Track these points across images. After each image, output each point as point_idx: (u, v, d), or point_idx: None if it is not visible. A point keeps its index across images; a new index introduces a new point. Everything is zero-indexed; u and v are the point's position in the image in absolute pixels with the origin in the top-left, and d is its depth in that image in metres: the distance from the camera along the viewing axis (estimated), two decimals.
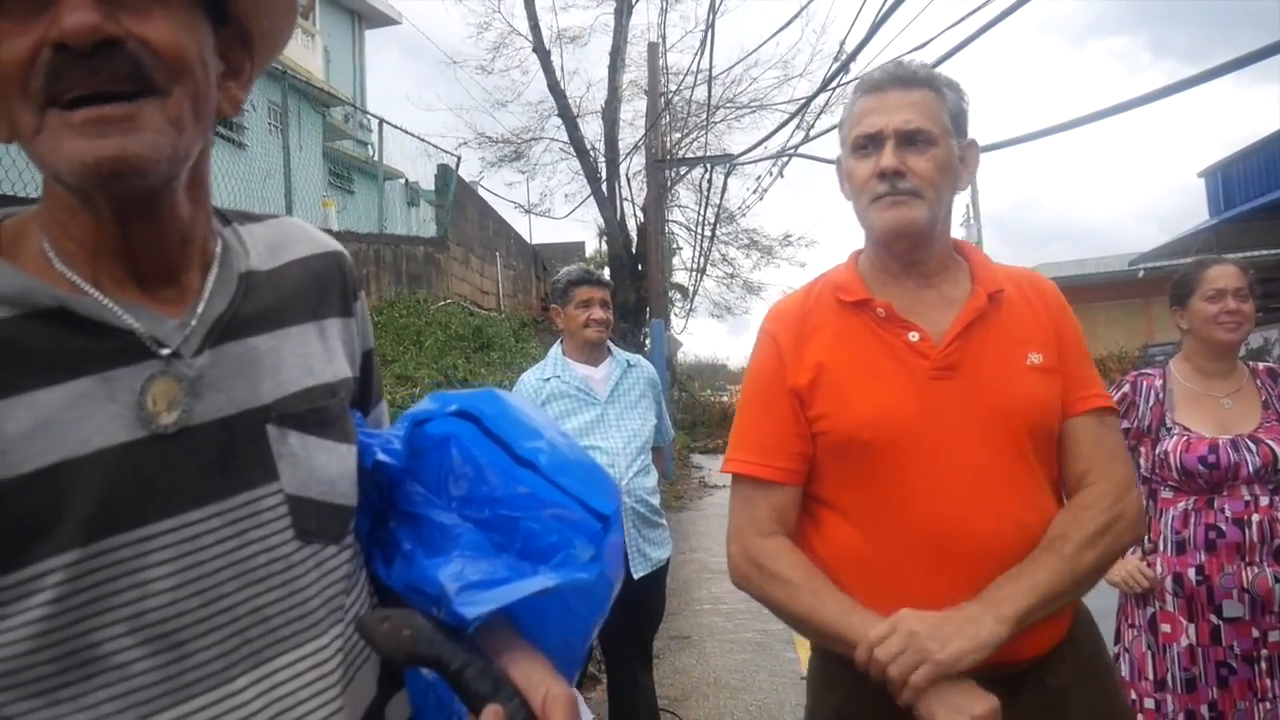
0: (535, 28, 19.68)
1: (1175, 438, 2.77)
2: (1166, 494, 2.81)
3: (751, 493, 1.78)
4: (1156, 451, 2.81)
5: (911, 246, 1.71)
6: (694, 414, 28.00)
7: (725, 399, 36.82)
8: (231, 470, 0.92)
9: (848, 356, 1.70)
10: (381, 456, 1.09)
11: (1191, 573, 2.70)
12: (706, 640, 6.52)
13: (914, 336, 1.67)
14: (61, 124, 0.82)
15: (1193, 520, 2.74)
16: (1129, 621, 2.90)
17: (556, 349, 3.87)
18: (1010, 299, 1.71)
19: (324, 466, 1.00)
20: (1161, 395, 2.86)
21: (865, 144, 1.70)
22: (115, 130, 0.83)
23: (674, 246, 26.77)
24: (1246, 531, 2.64)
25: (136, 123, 0.84)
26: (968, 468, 1.60)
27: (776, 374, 1.76)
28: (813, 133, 13.24)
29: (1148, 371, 2.97)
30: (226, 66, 0.97)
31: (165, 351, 0.90)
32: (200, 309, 0.95)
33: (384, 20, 22.11)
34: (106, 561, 0.84)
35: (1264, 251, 23.43)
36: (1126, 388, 2.91)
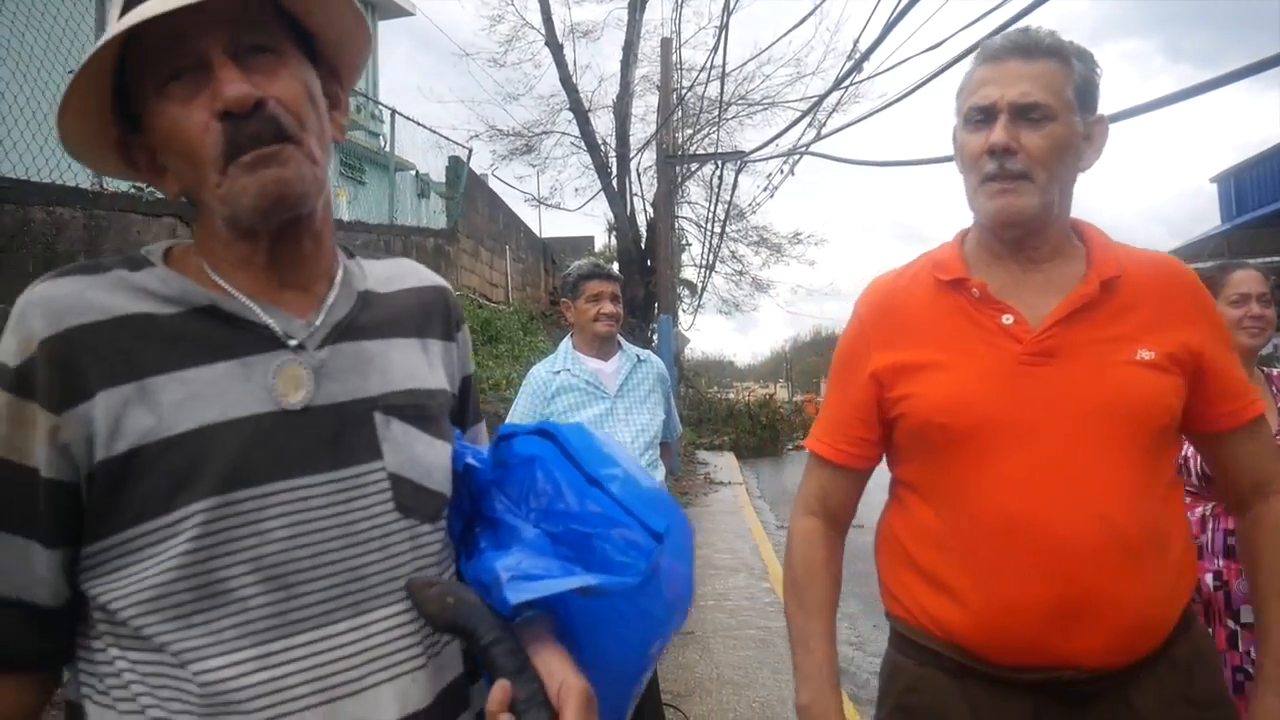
0: (548, 21, 19.67)
1: None
2: (1185, 499, 2.73)
3: (812, 465, 1.86)
4: (1175, 457, 2.73)
5: (1022, 234, 1.62)
6: (700, 410, 27.98)
7: (731, 396, 36.83)
8: (342, 447, 1.08)
9: (936, 338, 1.64)
10: (471, 461, 1.23)
11: (1209, 578, 2.66)
12: (710, 636, 6.53)
13: (1008, 319, 1.59)
14: (238, 169, 1.02)
15: (1210, 526, 2.69)
16: None
17: (567, 342, 3.88)
18: (1130, 287, 1.59)
19: (421, 454, 1.15)
20: None
21: (978, 116, 1.61)
22: (274, 162, 1.02)
23: (683, 243, 26.76)
24: None
25: (284, 158, 1.03)
26: (1048, 459, 1.52)
27: (856, 357, 1.75)
28: (824, 131, 13.24)
29: None
30: (328, 100, 1.15)
31: (293, 343, 1.08)
32: (324, 313, 1.13)
33: (397, 11, 22.06)
34: (234, 510, 1.00)
35: (1276, 257, 23.37)
36: None
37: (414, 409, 1.16)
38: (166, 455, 0.99)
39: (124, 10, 1.03)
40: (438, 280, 1.34)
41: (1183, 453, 2.64)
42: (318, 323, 1.12)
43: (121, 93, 1.08)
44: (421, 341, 1.24)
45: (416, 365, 1.20)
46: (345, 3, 1.12)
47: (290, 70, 1.07)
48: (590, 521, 1.17)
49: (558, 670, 1.05)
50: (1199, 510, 2.71)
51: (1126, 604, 1.49)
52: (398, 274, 1.29)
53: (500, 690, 1.01)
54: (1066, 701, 1.52)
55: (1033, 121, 1.56)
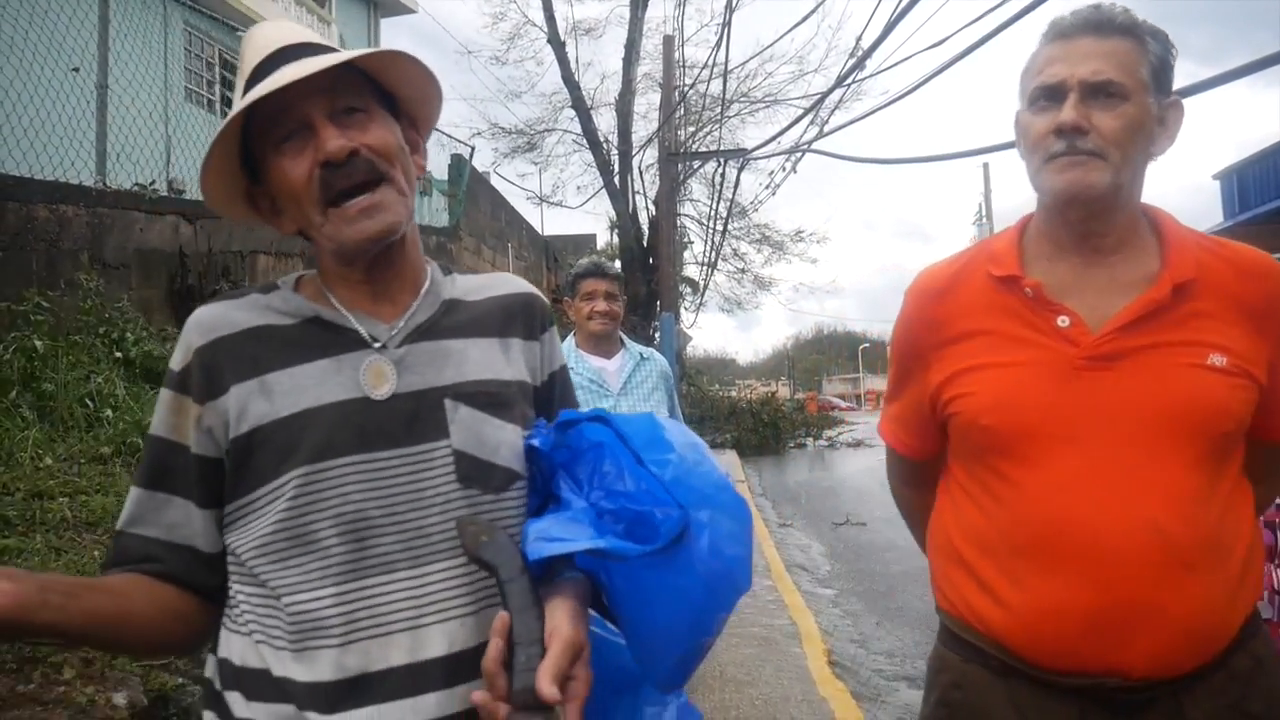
0: (550, 19, 19.70)
1: None
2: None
3: (891, 456, 1.92)
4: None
5: (1089, 215, 1.54)
6: (702, 409, 27.96)
7: (733, 394, 36.81)
8: (416, 427, 1.31)
9: (986, 338, 1.59)
10: (532, 441, 1.39)
11: None
12: None
13: (1064, 321, 1.52)
14: (340, 217, 1.28)
15: None
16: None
17: (570, 341, 3.87)
18: (1208, 288, 1.51)
19: (488, 435, 1.35)
20: None
21: (1045, 96, 1.53)
22: (378, 212, 1.29)
23: (685, 240, 26.77)
24: None
25: (383, 204, 1.30)
26: (1098, 464, 1.47)
27: (907, 353, 1.73)
28: (827, 129, 13.23)
29: None
30: (410, 146, 1.40)
31: (377, 344, 1.33)
32: (406, 319, 1.37)
33: (400, 9, 22.10)
34: (322, 476, 1.25)
35: (1278, 255, 23.34)
36: None
37: (485, 396, 1.37)
38: (276, 433, 1.27)
39: (246, 88, 1.30)
40: (526, 289, 1.54)
41: None
42: (399, 325, 1.36)
43: (247, 152, 1.35)
44: (502, 340, 1.44)
45: (493, 360, 1.41)
46: (418, 69, 1.39)
47: (378, 124, 1.33)
48: (641, 500, 1.30)
49: (557, 617, 1.20)
50: None
51: (1175, 614, 1.44)
52: (489, 285, 1.51)
53: (500, 620, 1.17)
54: (1114, 708, 1.50)
55: (1106, 100, 1.49)
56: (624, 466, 1.33)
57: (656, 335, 17.71)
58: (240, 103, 1.27)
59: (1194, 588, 1.45)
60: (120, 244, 7.06)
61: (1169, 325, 1.49)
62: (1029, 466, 1.52)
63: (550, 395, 1.51)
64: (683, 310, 26.00)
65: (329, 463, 1.26)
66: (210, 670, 1.35)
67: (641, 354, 3.88)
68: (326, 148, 1.26)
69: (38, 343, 5.57)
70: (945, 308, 1.65)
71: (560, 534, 1.27)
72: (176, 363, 1.33)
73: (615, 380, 3.74)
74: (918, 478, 1.83)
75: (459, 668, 1.26)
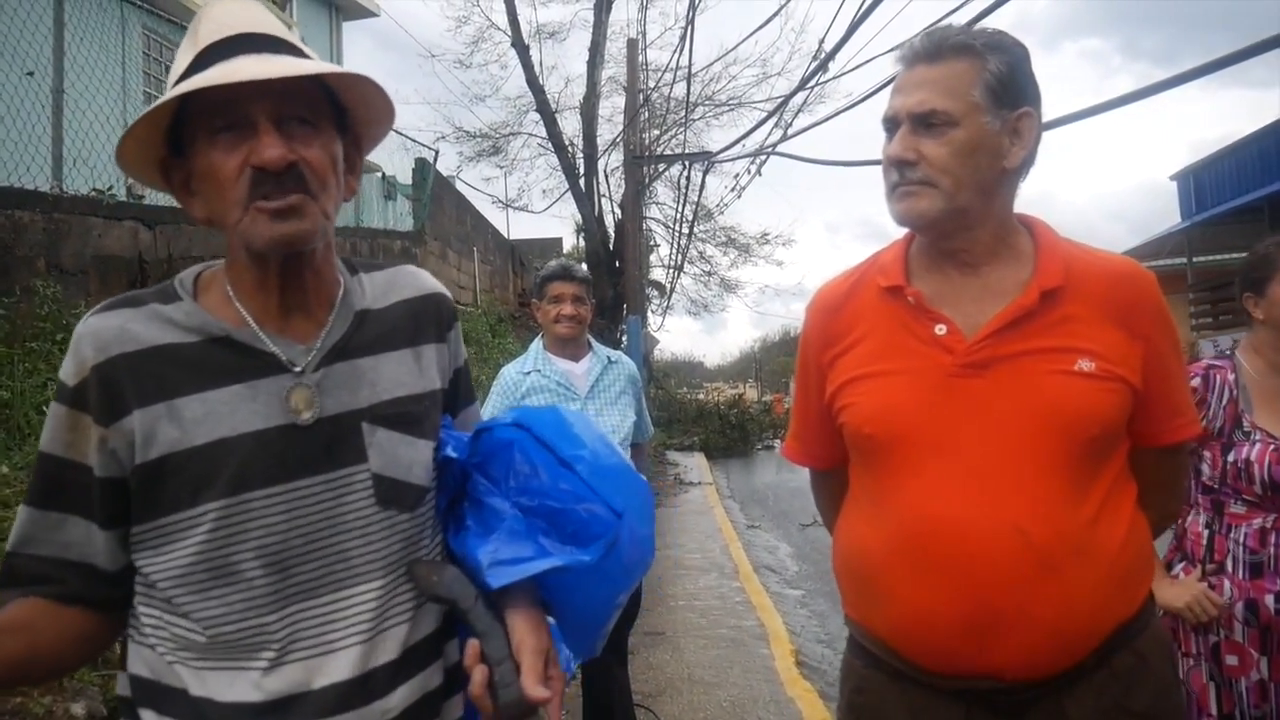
0: (514, 22, 19.59)
1: (1258, 445, 2.35)
2: (1238, 508, 2.41)
3: (809, 470, 1.94)
4: (1231, 458, 2.39)
5: (939, 236, 1.59)
6: (670, 411, 28.00)
7: (701, 396, 36.86)
8: (335, 452, 1.29)
9: (873, 347, 1.63)
10: (449, 453, 1.41)
11: (1270, 600, 2.33)
12: (681, 636, 6.53)
13: (941, 329, 1.56)
14: (258, 212, 1.23)
15: (1273, 540, 2.35)
16: (1184, 650, 2.46)
17: (537, 343, 3.86)
18: (1077, 294, 1.55)
19: (403, 455, 1.35)
20: (1235, 392, 2.43)
21: (887, 127, 1.59)
22: (293, 216, 1.23)
23: (652, 243, 26.81)
24: None
25: (302, 212, 1.24)
26: (968, 470, 1.51)
27: (807, 366, 1.78)
28: (791, 131, 13.29)
29: (1217, 363, 2.51)
30: (346, 165, 1.36)
31: (296, 369, 1.29)
32: (321, 338, 1.33)
33: (362, 13, 21.93)
34: (244, 508, 1.23)
35: (1235, 254, 23.70)
36: (1196, 381, 2.43)
37: (399, 416, 1.36)
38: (189, 462, 1.23)
39: (191, 66, 1.25)
40: (430, 287, 1.50)
41: (1242, 455, 2.36)
42: (315, 347, 1.32)
43: (174, 124, 1.28)
44: (414, 350, 1.42)
45: (406, 374, 1.39)
46: (379, 93, 1.35)
47: (322, 142, 1.28)
48: (561, 498, 1.36)
49: (519, 631, 1.28)
50: (1256, 521, 2.38)
51: (1040, 617, 1.47)
52: (395, 285, 1.46)
53: (471, 648, 1.25)
54: (997, 709, 1.53)
55: (932, 129, 1.52)
56: (537, 463, 1.38)
57: (623, 338, 17.71)
58: (183, 86, 1.21)
59: (1059, 591, 1.47)
60: (78, 250, 6.95)
61: (1039, 332, 1.53)
62: (905, 473, 1.56)
63: (455, 393, 1.52)
64: (650, 313, 26.04)
65: (250, 494, 1.23)
66: (123, 687, 1.33)
67: (609, 357, 3.87)
68: (265, 154, 1.21)
69: None
70: (840, 321, 1.70)
71: (510, 554, 1.33)
72: (69, 376, 1.27)
73: (582, 383, 3.74)
74: (831, 489, 1.85)
75: (374, 686, 1.29)
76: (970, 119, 1.51)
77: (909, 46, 1.58)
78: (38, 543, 1.28)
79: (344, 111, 1.36)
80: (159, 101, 1.23)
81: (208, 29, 1.28)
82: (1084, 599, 1.49)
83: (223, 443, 1.23)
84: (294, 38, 1.33)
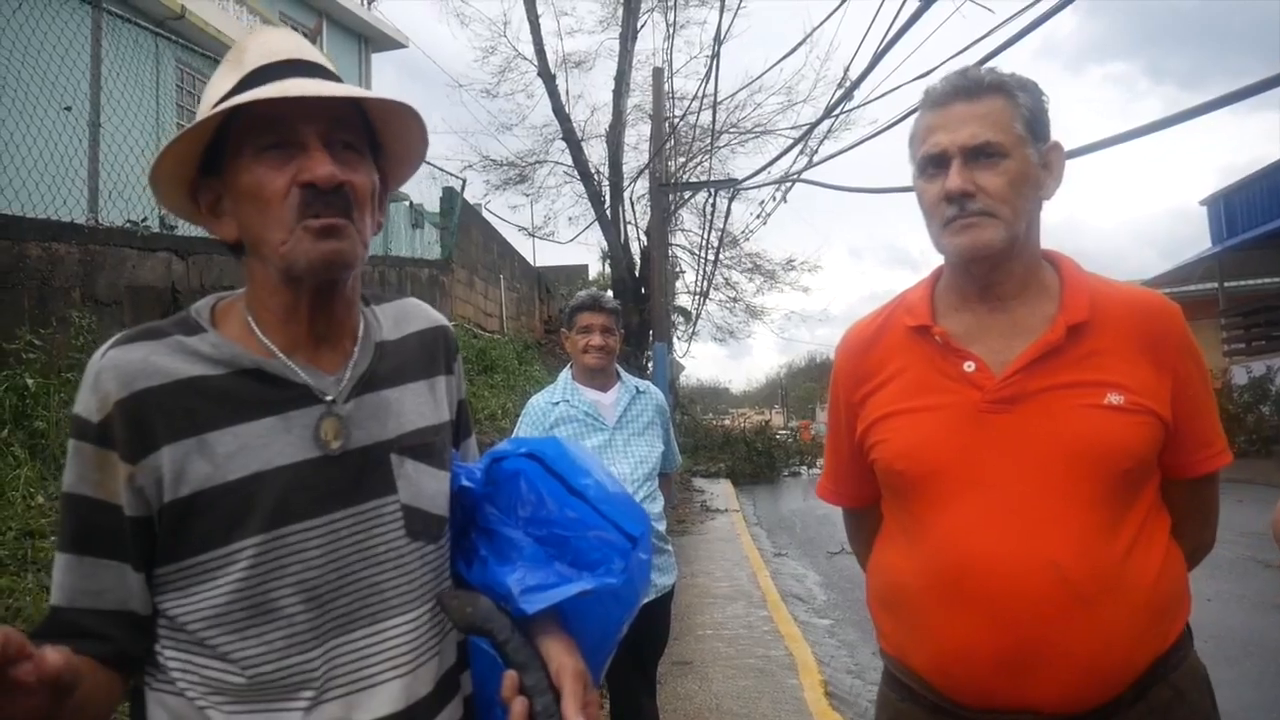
0: (540, 52, 19.78)
1: None
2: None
3: (842, 510, 1.94)
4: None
5: (992, 268, 1.60)
6: (696, 438, 27.92)
7: (727, 422, 36.74)
8: (365, 484, 1.29)
9: (903, 385, 1.65)
10: (464, 483, 1.43)
11: None
12: (709, 666, 6.49)
13: (969, 366, 1.58)
14: (304, 231, 1.21)
15: None
16: None
17: (566, 373, 3.87)
18: (1103, 329, 1.56)
19: (428, 486, 1.36)
20: None
21: (931, 165, 1.59)
22: (337, 236, 1.23)
23: (677, 270, 26.81)
24: None
25: (347, 233, 1.24)
26: (1001, 506, 1.51)
27: (838, 408, 1.80)
28: (816, 158, 13.31)
29: None
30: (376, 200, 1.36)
31: (328, 398, 1.28)
32: (350, 368, 1.32)
33: (391, 44, 22.22)
34: (282, 544, 1.21)
35: (1268, 280, 23.46)
36: None
37: (423, 447, 1.37)
38: (223, 498, 1.20)
39: (238, 85, 1.24)
40: (437, 320, 1.52)
41: None
42: (345, 377, 1.31)
43: (211, 142, 1.27)
44: (429, 381, 1.43)
45: (424, 405, 1.40)
46: (419, 128, 1.36)
47: (365, 169, 1.29)
48: (569, 526, 1.39)
49: (556, 655, 1.29)
50: None
51: (1076, 652, 1.47)
52: (404, 316, 1.47)
53: (510, 680, 1.24)
54: None
55: (987, 161, 1.54)
56: (543, 492, 1.42)
57: (649, 365, 17.72)
58: (243, 97, 1.20)
59: (1094, 626, 1.47)
60: (112, 281, 7.06)
61: (1067, 366, 1.54)
62: (937, 509, 1.57)
63: (458, 425, 1.52)
64: (675, 339, 26.03)
65: (287, 529, 1.22)
66: None
67: (638, 387, 3.87)
68: (317, 171, 1.20)
69: (29, 381, 5.55)
70: (869, 361, 1.72)
71: (538, 580, 1.35)
72: (91, 412, 1.21)
73: (611, 414, 3.74)
74: (866, 527, 1.86)
75: (415, 716, 1.29)
76: (1017, 151, 1.55)
77: (940, 86, 1.61)
78: (79, 594, 1.23)
79: (378, 147, 1.37)
80: (209, 113, 1.22)
81: (255, 54, 1.28)
82: (1119, 634, 1.49)
83: (258, 477, 1.21)
84: (336, 69, 1.35)
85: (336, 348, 1.34)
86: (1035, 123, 1.58)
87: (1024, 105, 1.57)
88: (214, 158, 1.27)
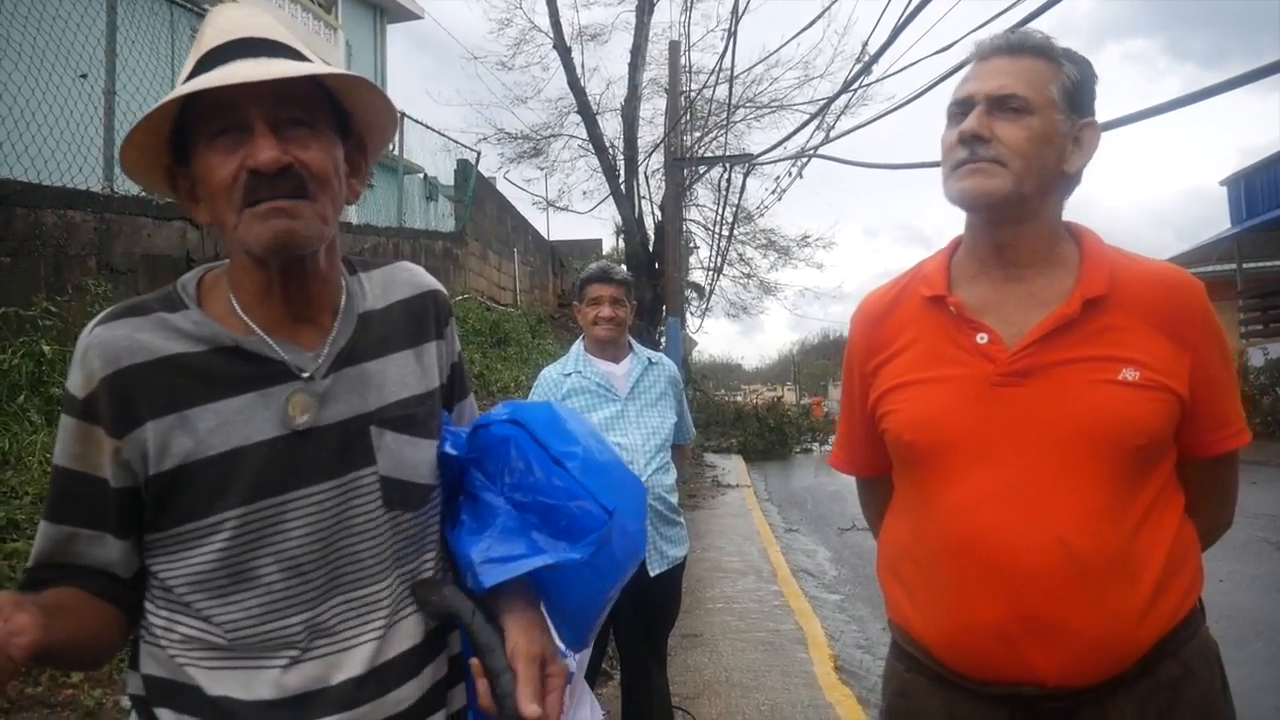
0: (556, 24, 19.66)
1: None
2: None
3: (856, 479, 1.96)
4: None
5: (992, 222, 1.59)
6: (708, 413, 27.95)
7: (739, 399, 36.76)
8: (344, 457, 1.32)
9: (915, 356, 1.65)
10: (447, 449, 1.45)
11: None
12: (719, 639, 6.53)
13: (983, 338, 1.57)
14: (252, 216, 1.23)
15: None
16: None
17: (578, 345, 3.87)
18: (1121, 303, 1.54)
19: (409, 456, 1.38)
20: None
21: (957, 110, 1.58)
22: (285, 217, 1.23)
23: (691, 245, 26.74)
24: None
25: (297, 213, 1.24)
26: (1009, 480, 1.51)
27: (852, 376, 1.80)
28: (833, 134, 13.22)
29: None
30: (349, 168, 1.37)
31: (305, 375, 1.30)
32: (329, 344, 1.34)
33: (406, 15, 22.11)
34: (260, 516, 1.26)
35: None
36: None
37: (405, 418, 1.39)
38: (205, 471, 1.25)
39: (193, 71, 1.26)
40: (426, 285, 1.52)
41: None
42: (323, 353, 1.33)
43: (178, 131, 1.29)
44: (415, 350, 1.45)
45: (409, 375, 1.42)
46: (379, 96, 1.36)
47: (320, 143, 1.28)
48: (554, 494, 1.40)
49: (513, 637, 1.33)
50: None
51: (1081, 629, 1.47)
52: (390, 284, 1.48)
53: (474, 663, 1.31)
54: (1041, 715, 1.53)
55: (1010, 113, 1.53)
56: (531, 459, 1.43)
57: (662, 340, 17.71)
58: (181, 88, 1.23)
59: (1100, 602, 1.47)
60: (127, 249, 7.08)
61: (1082, 340, 1.52)
62: (947, 482, 1.57)
63: (452, 388, 1.54)
64: (688, 315, 25.99)
65: (266, 501, 1.26)
66: (135, 686, 1.35)
67: (650, 359, 3.87)
68: (259, 157, 1.21)
69: (45, 348, 5.59)
70: (884, 330, 1.71)
71: (502, 552, 1.37)
72: (78, 388, 1.27)
73: (623, 385, 3.74)
74: (878, 495, 1.86)
75: (388, 678, 1.33)
76: (1045, 111, 1.54)
77: (987, 41, 1.61)
78: (55, 555, 1.30)
79: (347, 115, 1.37)
80: (154, 107, 1.24)
81: (210, 35, 1.29)
82: (1125, 610, 1.49)
83: (237, 452, 1.25)
84: (338, 46, 1.34)
85: (316, 324, 1.36)
86: (1076, 94, 1.57)
87: (1067, 74, 1.56)
88: (184, 147, 1.29)
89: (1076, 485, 1.49)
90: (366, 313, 1.41)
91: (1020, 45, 1.58)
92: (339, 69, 1.32)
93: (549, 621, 1.44)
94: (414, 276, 1.52)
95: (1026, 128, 1.53)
